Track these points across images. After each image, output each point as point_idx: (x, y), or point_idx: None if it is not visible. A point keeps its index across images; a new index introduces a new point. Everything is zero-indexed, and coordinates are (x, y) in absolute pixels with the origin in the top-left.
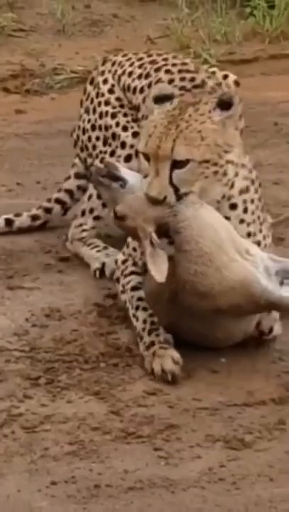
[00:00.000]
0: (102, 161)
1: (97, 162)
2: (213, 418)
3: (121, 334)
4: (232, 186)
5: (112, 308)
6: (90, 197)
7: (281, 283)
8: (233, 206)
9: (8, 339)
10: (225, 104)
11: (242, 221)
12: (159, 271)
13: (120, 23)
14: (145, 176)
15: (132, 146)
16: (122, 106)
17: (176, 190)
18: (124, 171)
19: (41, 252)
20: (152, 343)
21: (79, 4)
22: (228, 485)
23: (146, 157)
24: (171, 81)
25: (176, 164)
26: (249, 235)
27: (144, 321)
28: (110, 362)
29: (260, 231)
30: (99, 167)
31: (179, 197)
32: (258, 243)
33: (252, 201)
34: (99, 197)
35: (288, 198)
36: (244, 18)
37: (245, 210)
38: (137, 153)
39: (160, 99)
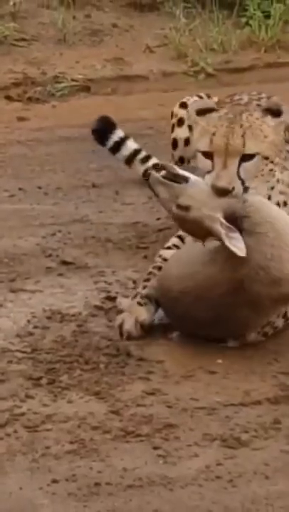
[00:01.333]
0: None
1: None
2: (211, 417)
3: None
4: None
5: (112, 310)
6: None
7: None
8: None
9: (10, 340)
10: (274, 112)
11: None
12: (239, 248)
13: (120, 33)
14: (208, 172)
15: None
16: None
17: (242, 182)
18: (181, 170)
19: (42, 256)
20: (136, 295)
21: (79, 14)
22: (224, 482)
23: (208, 155)
24: None
25: (245, 158)
26: None
27: (148, 273)
28: (110, 363)
29: None
30: (158, 169)
31: (245, 189)
32: None
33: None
34: None
35: None
36: (240, 28)
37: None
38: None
39: (202, 112)
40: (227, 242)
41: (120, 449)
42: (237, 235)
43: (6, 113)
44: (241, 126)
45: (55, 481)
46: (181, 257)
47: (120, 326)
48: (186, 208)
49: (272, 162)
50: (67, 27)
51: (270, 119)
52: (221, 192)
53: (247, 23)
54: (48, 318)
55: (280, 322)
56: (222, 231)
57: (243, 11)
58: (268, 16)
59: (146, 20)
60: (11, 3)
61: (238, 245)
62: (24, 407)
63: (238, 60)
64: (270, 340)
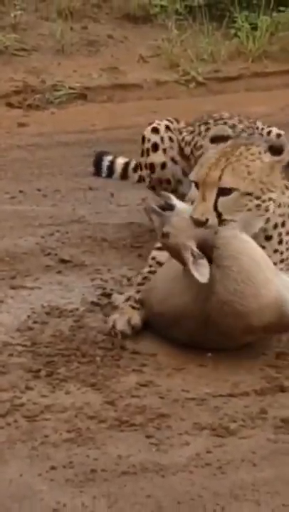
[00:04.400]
0: None
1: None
2: (201, 408)
3: None
4: (268, 221)
5: (107, 306)
6: None
7: None
8: (268, 238)
9: (11, 335)
10: (276, 150)
11: (276, 251)
12: (202, 274)
13: (115, 43)
14: (192, 203)
15: None
16: None
17: (219, 215)
18: (174, 199)
19: (42, 255)
20: (128, 298)
21: (77, 26)
22: (214, 469)
23: (196, 185)
24: None
25: (222, 191)
26: (282, 261)
27: (143, 277)
28: (105, 356)
29: None
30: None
31: (222, 222)
32: None
33: (287, 233)
34: None
35: None
36: (229, 39)
37: (280, 242)
38: None
39: (216, 140)
40: (191, 267)
41: (115, 438)
42: (204, 261)
43: (7, 119)
44: (227, 159)
45: (53, 468)
46: (165, 276)
47: (113, 327)
48: (166, 235)
49: (258, 198)
50: (65, 38)
51: (268, 156)
52: (196, 223)
53: (235, 35)
54: (47, 313)
55: None
56: (190, 258)
57: (232, 23)
58: (255, 28)
59: (140, 32)
60: (12, 15)
61: (201, 271)
62: (24, 397)
63: (227, 69)
64: None
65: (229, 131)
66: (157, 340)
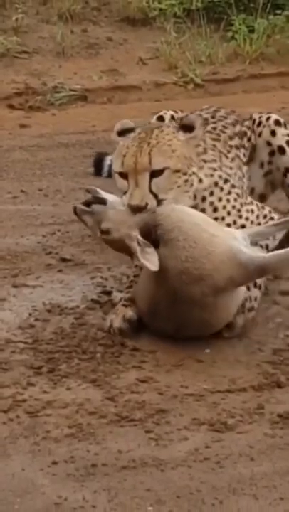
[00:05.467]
0: None
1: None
2: (199, 403)
3: None
4: (195, 198)
5: (107, 303)
6: None
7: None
8: (203, 211)
9: (13, 332)
10: (187, 127)
11: (216, 219)
12: (151, 262)
13: (114, 46)
14: (124, 193)
15: None
16: None
17: (155, 197)
18: (102, 192)
19: (43, 254)
20: (120, 299)
21: (77, 29)
22: (212, 464)
23: (123, 175)
24: None
25: (154, 173)
26: (230, 226)
27: (130, 281)
28: (106, 353)
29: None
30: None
31: (159, 203)
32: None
33: (219, 199)
34: None
35: None
36: (226, 41)
37: (216, 210)
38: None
39: (123, 132)
40: (141, 258)
41: (115, 433)
42: (152, 249)
43: (9, 121)
44: (149, 144)
45: (54, 463)
46: (142, 273)
47: (110, 326)
48: (107, 232)
49: (185, 174)
50: (65, 41)
51: (181, 134)
52: (136, 209)
53: (233, 37)
54: (48, 311)
55: (256, 292)
56: (137, 248)
57: (229, 26)
58: (252, 31)
59: (139, 35)
60: (14, 18)
61: (150, 259)
62: (26, 393)
63: (225, 71)
64: (254, 331)
65: (133, 124)
66: (156, 337)
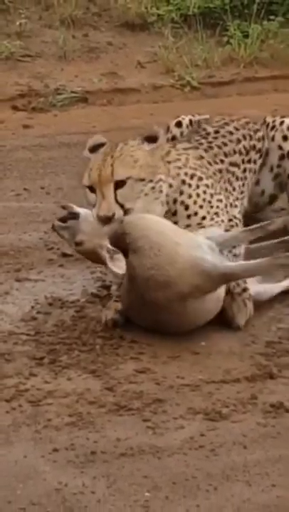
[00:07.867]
0: None
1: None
2: (195, 393)
3: None
4: (167, 202)
5: (107, 297)
6: None
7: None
8: (175, 213)
9: (16, 324)
10: (151, 138)
11: (189, 216)
12: (118, 267)
13: (114, 50)
14: (93, 206)
15: None
16: None
17: (121, 206)
18: (76, 208)
19: (45, 249)
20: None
21: (78, 33)
22: (207, 452)
23: (91, 189)
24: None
25: (118, 184)
26: (205, 218)
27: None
28: (105, 345)
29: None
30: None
31: (126, 212)
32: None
33: (189, 196)
34: None
35: None
36: (222, 46)
37: (187, 208)
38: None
39: (94, 148)
40: (108, 264)
41: (114, 422)
42: (119, 256)
43: (13, 121)
44: (112, 156)
45: (55, 450)
46: (124, 277)
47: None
48: (81, 243)
49: (151, 181)
50: (67, 45)
51: (146, 145)
52: (104, 220)
53: (228, 42)
54: (50, 304)
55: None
56: (106, 255)
57: (225, 31)
58: (246, 36)
59: (138, 39)
60: (17, 23)
61: (117, 264)
62: (28, 383)
63: (220, 74)
64: (248, 324)
65: (105, 139)
66: (153, 330)
